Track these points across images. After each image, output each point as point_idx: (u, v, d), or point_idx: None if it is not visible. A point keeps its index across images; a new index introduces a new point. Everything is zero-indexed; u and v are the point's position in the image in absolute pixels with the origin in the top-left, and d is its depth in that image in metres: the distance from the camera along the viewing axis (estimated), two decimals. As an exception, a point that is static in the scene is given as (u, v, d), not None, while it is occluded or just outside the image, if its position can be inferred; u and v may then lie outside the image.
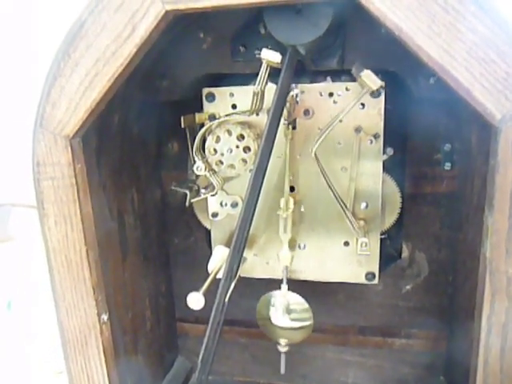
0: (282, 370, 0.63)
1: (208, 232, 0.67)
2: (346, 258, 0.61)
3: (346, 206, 0.56)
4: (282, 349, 0.62)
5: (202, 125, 0.58)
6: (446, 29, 0.37)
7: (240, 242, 0.48)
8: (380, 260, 0.61)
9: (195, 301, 0.52)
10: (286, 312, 0.60)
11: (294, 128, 0.57)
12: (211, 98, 0.59)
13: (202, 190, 0.60)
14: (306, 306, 0.60)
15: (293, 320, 0.61)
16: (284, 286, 0.60)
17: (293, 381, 0.76)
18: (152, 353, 0.69)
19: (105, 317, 0.52)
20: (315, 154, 0.53)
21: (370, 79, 0.48)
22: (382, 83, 0.49)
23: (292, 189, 0.60)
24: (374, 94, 0.55)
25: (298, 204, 0.60)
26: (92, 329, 0.51)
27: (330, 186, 0.55)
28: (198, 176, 0.63)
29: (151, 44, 0.44)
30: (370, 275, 0.61)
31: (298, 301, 0.60)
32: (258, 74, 0.49)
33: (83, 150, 0.48)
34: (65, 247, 0.49)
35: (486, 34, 0.37)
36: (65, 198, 0.47)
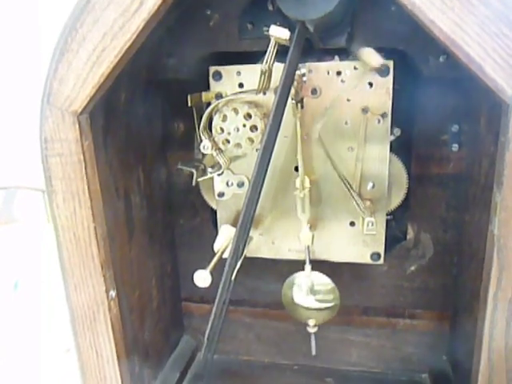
0: (314, 351, 0.63)
1: (214, 213, 0.67)
2: (351, 239, 0.61)
3: (351, 187, 0.56)
4: (311, 329, 0.62)
5: (209, 104, 0.58)
6: (459, 2, 0.36)
7: (246, 222, 0.49)
8: (385, 241, 0.61)
9: (202, 279, 0.53)
10: (310, 292, 0.60)
11: (301, 107, 0.57)
12: (218, 76, 0.58)
13: (209, 169, 0.60)
14: (332, 285, 0.60)
15: (318, 301, 0.61)
16: (307, 267, 0.60)
17: (296, 360, 0.77)
18: (158, 331, 0.70)
19: (113, 293, 0.52)
20: (319, 135, 0.52)
21: (371, 57, 0.47)
22: (385, 61, 0.48)
23: (297, 169, 0.59)
24: (382, 74, 0.55)
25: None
26: (100, 305, 0.51)
27: (335, 167, 0.54)
28: (204, 155, 0.63)
29: (159, 19, 0.44)
30: (375, 255, 0.62)
31: (323, 281, 0.60)
32: (265, 53, 0.48)
33: (91, 127, 0.48)
34: (73, 224, 0.49)
35: (499, 8, 0.36)
36: (73, 174, 0.47)
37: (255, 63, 0.57)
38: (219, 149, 0.57)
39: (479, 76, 0.38)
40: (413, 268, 0.67)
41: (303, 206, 0.59)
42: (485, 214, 0.50)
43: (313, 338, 0.63)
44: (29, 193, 1.57)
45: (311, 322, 0.62)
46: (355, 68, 0.55)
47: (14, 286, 1.25)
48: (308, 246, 0.60)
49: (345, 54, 0.57)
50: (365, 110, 0.56)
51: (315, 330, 0.63)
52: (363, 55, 0.47)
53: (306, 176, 0.57)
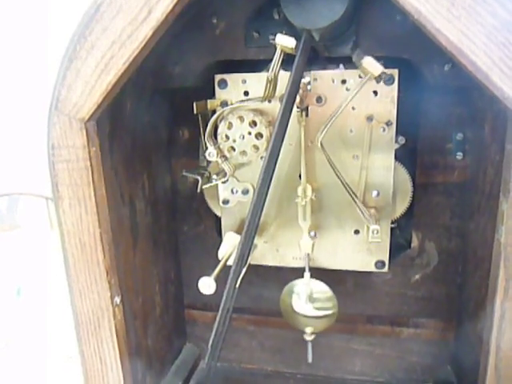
0: (310, 359, 0.63)
1: (218, 220, 0.67)
2: (356, 247, 0.61)
3: (355, 195, 0.56)
4: (308, 337, 0.62)
5: (214, 111, 0.58)
6: (466, 12, 0.37)
7: (251, 229, 0.49)
8: (390, 249, 0.61)
9: (207, 285, 0.53)
10: (309, 300, 0.60)
11: (306, 115, 0.57)
12: (224, 84, 0.59)
13: (214, 177, 0.60)
14: (330, 293, 0.60)
15: (316, 308, 0.61)
16: (307, 274, 0.60)
17: (299, 369, 0.76)
18: (161, 338, 0.69)
19: (117, 299, 0.52)
20: (321, 144, 0.53)
21: (372, 66, 0.47)
22: (384, 70, 0.48)
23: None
24: (387, 82, 0.55)
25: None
26: (105, 311, 0.51)
27: (338, 175, 0.55)
28: (209, 163, 0.63)
29: (167, 27, 0.44)
30: (379, 263, 0.61)
31: (321, 289, 0.60)
32: (271, 61, 0.49)
33: (97, 134, 0.48)
34: (79, 230, 0.49)
35: (507, 18, 0.36)
36: (79, 180, 0.48)
37: (261, 71, 0.57)
38: (224, 156, 0.58)
39: (486, 85, 0.38)
40: (417, 276, 0.67)
41: (304, 213, 0.59)
42: (490, 222, 0.50)
43: (309, 345, 0.63)
44: (32, 199, 1.57)
45: (308, 330, 0.62)
46: (360, 76, 0.55)
47: (17, 292, 1.25)
48: (308, 254, 0.60)
49: (350, 62, 0.57)
50: (369, 119, 0.56)
51: (312, 337, 0.63)
52: (364, 64, 0.47)
53: (309, 184, 0.58)
